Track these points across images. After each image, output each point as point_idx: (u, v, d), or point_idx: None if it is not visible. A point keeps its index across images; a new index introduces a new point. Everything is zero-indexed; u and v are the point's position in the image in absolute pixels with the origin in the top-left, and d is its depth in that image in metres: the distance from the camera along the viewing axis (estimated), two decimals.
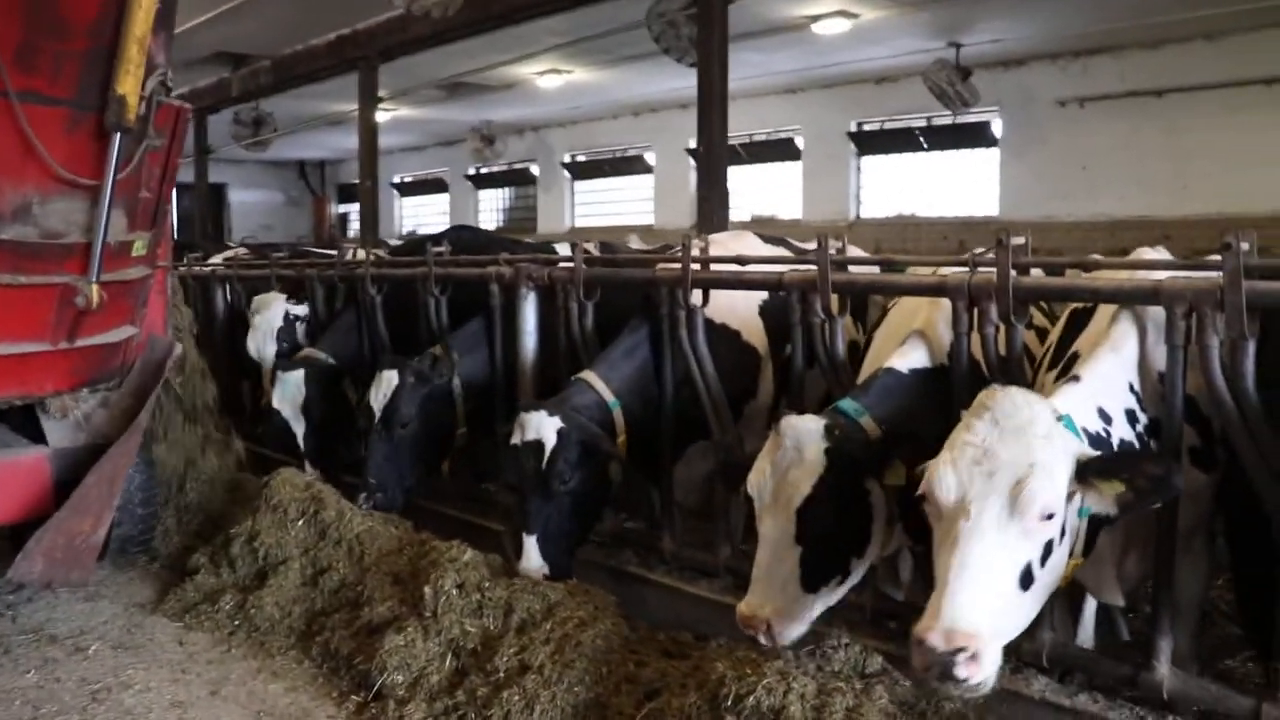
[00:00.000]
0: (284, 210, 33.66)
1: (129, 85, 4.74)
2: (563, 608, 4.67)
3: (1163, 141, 16.48)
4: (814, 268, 4.87)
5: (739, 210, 22.98)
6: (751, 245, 6.37)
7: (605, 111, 23.66)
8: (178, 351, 6.33)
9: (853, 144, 20.63)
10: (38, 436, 5.84)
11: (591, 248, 6.36)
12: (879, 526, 4.14)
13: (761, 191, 22.17)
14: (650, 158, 23.92)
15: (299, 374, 7.28)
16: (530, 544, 5.06)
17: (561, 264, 6.28)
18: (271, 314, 8.37)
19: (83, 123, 4.84)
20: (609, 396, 5.40)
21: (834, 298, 4.82)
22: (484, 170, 27.56)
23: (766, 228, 18.02)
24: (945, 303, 4.64)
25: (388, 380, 6.31)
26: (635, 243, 10.04)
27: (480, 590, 4.83)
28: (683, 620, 5.33)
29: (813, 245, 7.68)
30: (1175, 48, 16.30)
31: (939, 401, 4.48)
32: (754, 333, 5.98)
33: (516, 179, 27.27)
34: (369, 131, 15.69)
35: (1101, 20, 15.33)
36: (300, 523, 5.97)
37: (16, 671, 5.26)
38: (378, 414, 6.31)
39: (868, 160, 20.83)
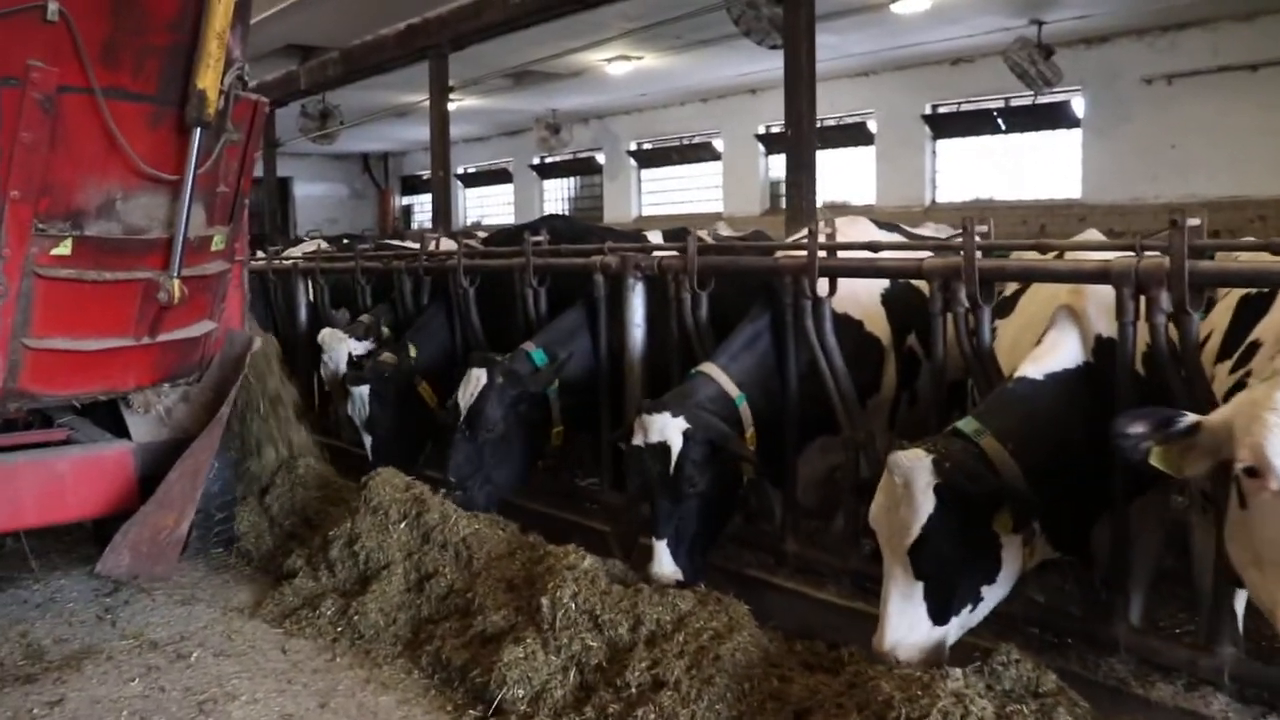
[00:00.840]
0: (348, 203, 33.74)
1: (209, 80, 4.74)
2: (695, 618, 4.38)
3: (1257, 118, 15.82)
4: (956, 254, 4.54)
5: None
6: (869, 231, 6.04)
7: (672, 98, 23.36)
8: (256, 346, 6.30)
9: (927, 127, 20.14)
10: (121, 432, 5.86)
11: (705, 235, 6.04)
12: (1012, 550, 3.87)
13: (833, 177, 21.72)
14: (719, 144, 23.57)
15: (364, 390, 7.11)
16: (661, 549, 4.78)
17: (672, 252, 5.97)
18: (336, 356, 8.16)
19: (164, 118, 4.84)
20: (733, 390, 5.10)
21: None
22: (549, 160, 27.36)
23: (839, 214, 17.66)
24: (1093, 291, 4.32)
25: (476, 379, 6.03)
26: (725, 230, 9.72)
27: (603, 600, 4.55)
28: (809, 627, 5.01)
29: (923, 230, 7.41)
30: (1271, 19, 15.65)
31: (1081, 406, 4.15)
32: (877, 323, 5.66)
33: (582, 168, 27.05)
34: (441, 122, 15.50)
35: None
36: (402, 525, 5.72)
37: (121, 680, 5.06)
38: (463, 413, 6.03)
39: (943, 144, 20.34)
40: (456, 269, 7.21)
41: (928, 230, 7.45)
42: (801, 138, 10.48)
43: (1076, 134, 18.23)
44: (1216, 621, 3.88)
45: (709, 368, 5.16)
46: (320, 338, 8.47)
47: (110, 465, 5.68)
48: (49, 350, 4.95)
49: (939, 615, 3.76)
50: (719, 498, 4.91)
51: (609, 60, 18.77)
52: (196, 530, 6.25)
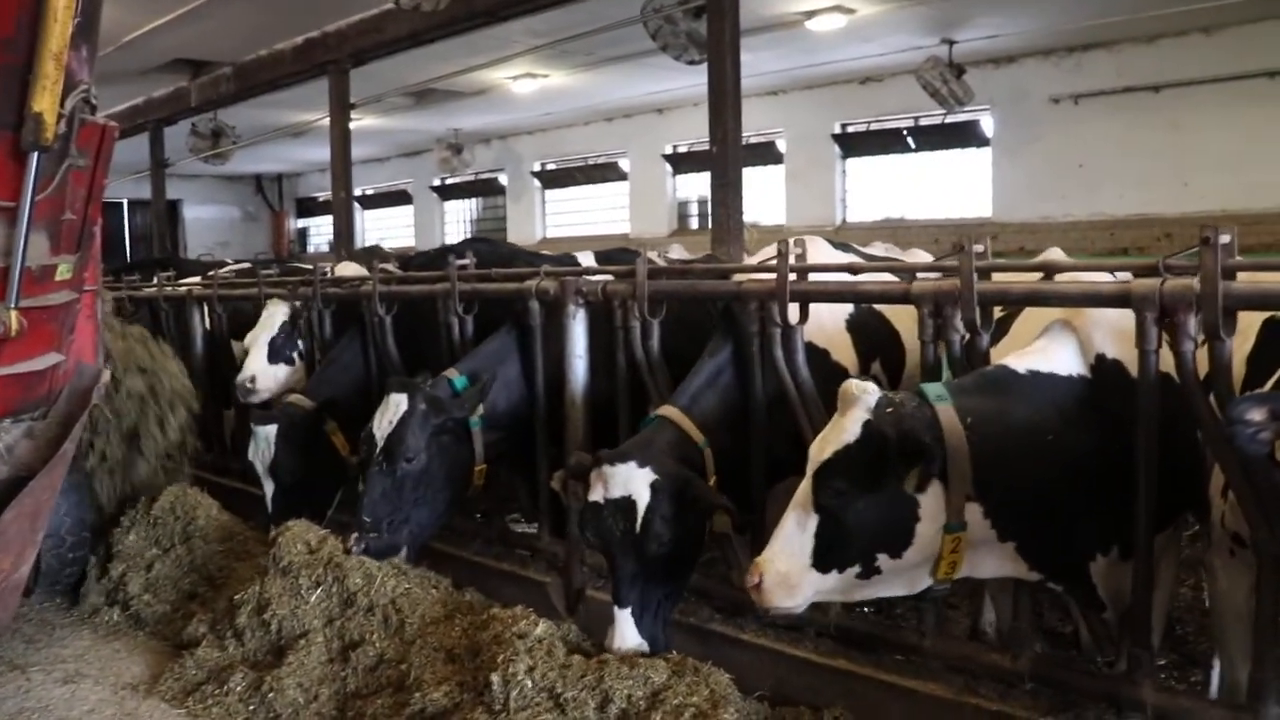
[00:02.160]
0: (241, 226, 32.42)
1: (46, 103, 4.51)
2: (671, 693, 3.85)
3: (1161, 138, 16.02)
4: (947, 276, 4.11)
5: None
6: (826, 253, 5.60)
7: (577, 118, 22.88)
8: (105, 378, 5.96)
9: (837, 146, 20.04)
10: None
11: (656, 256, 5.50)
12: (927, 530, 3.51)
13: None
14: (625, 164, 23.16)
15: (271, 430, 6.36)
16: (625, 619, 4.19)
17: (617, 275, 5.43)
18: (273, 319, 7.62)
19: None
20: (697, 436, 4.57)
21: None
22: (450, 181, 26.62)
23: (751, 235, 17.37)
24: (1095, 313, 3.94)
25: (395, 405, 5.37)
26: (677, 253, 9.06)
27: (563, 674, 3.98)
28: (785, 688, 4.53)
29: (875, 250, 7.00)
30: (1172, 41, 15.88)
31: (1070, 419, 3.78)
32: (842, 351, 5.20)
33: (484, 189, 26.37)
34: (342, 140, 14.73)
35: (1096, 14, 14.87)
36: (319, 590, 5.08)
37: None
38: (379, 443, 5.35)
39: (853, 162, 20.25)
40: (372, 296, 6.55)
41: (879, 250, 7.04)
42: (727, 155, 10.06)
43: (986, 153, 18.29)
44: (1261, 679, 3.47)
45: (670, 411, 4.62)
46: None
47: None
48: None
49: (821, 558, 3.52)
50: (685, 554, 4.37)
51: (514, 78, 18.22)
52: (45, 573, 5.97)
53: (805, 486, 3.55)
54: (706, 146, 21.53)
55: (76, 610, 6.31)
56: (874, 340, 5.43)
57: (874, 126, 19.66)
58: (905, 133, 19.10)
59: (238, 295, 8.32)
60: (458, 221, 27.77)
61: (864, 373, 5.38)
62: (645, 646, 4.16)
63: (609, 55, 16.91)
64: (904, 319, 5.78)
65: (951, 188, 18.95)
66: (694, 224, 22.66)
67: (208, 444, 8.89)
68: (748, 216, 21.22)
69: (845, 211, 20.43)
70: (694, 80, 19.28)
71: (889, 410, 3.46)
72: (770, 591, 3.54)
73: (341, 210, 14.75)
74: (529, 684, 3.95)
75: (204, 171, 25.95)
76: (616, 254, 6.99)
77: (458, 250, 7.21)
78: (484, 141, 24.99)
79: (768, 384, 4.73)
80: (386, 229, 29.65)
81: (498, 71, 17.44)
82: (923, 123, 18.84)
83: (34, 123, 4.50)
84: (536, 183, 24.90)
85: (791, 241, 4.65)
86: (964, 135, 18.37)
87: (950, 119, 18.05)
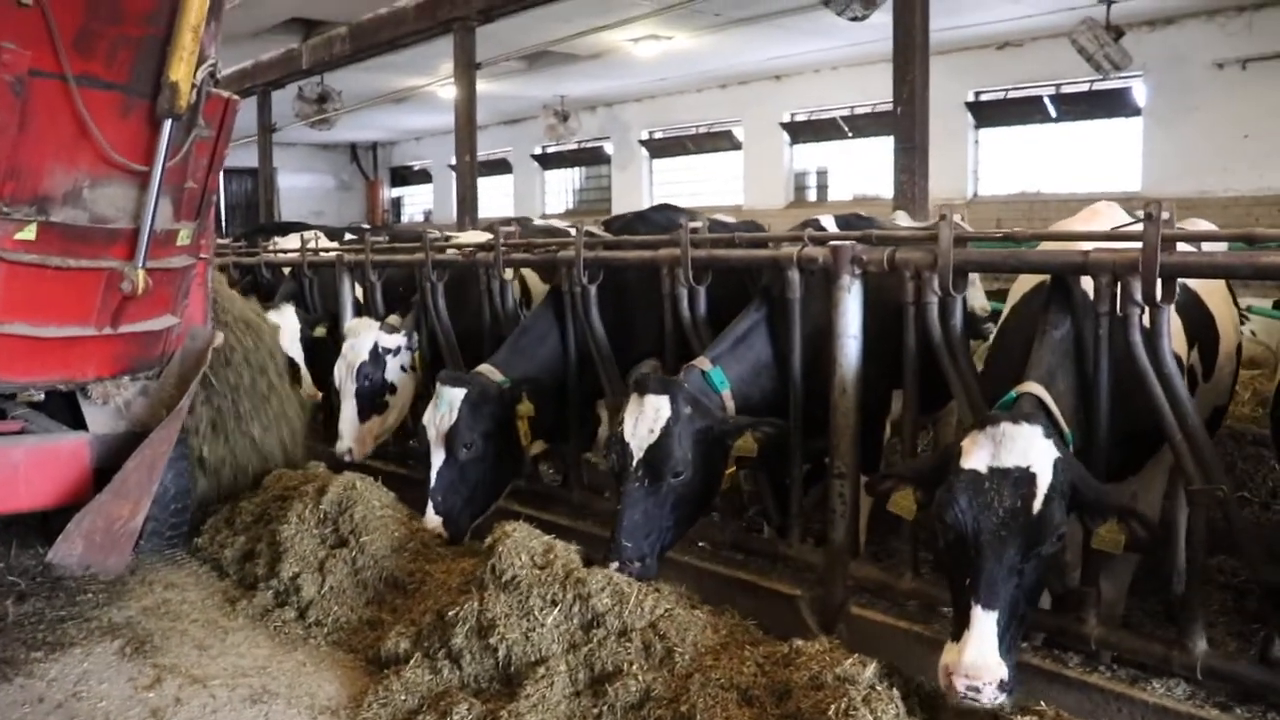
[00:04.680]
0: (335, 195, 32.06)
1: (182, 73, 4.85)
2: None
3: None
4: None
5: (837, 189, 21.39)
6: (1123, 219, 4.75)
7: (689, 84, 22.07)
8: (218, 342, 6.32)
9: (970, 115, 18.97)
10: (78, 425, 5.87)
11: (959, 219, 4.60)
12: None
13: (863, 167, 20.49)
14: (739, 133, 22.26)
15: (458, 394, 5.60)
16: (987, 626, 3.23)
17: (910, 238, 4.59)
18: (360, 344, 7.03)
19: (135, 109, 4.94)
20: (1064, 426, 3.71)
21: None
22: (552, 149, 25.89)
23: (872, 208, 16.46)
24: None
25: (654, 409, 4.53)
26: (903, 220, 7.98)
27: None
28: None
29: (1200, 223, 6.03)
30: None
31: None
32: (1175, 336, 4.32)
33: (588, 158, 25.62)
34: (466, 103, 14.10)
35: None
36: (556, 610, 4.31)
37: None
38: (637, 455, 4.51)
39: (986, 133, 19.17)
40: (574, 263, 5.75)
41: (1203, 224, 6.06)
42: (913, 116, 9.17)
43: (1137, 122, 17.15)
44: None
45: (1034, 388, 3.74)
46: (346, 326, 7.41)
47: (65, 455, 5.70)
48: (9, 335, 5.00)
49: None
50: (1045, 573, 3.51)
51: (636, 40, 17.42)
52: (152, 529, 6.20)
53: None
54: (826, 114, 20.62)
55: (243, 610, 5.64)
56: (1196, 325, 4.61)
57: (1011, 94, 18.56)
58: (1047, 100, 17.99)
59: (399, 260, 7.58)
60: (559, 191, 27.05)
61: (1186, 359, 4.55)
62: (1004, 674, 3.22)
63: (736, 17, 16.15)
64: (1218, 302, 4.95)
65: (1095, 160, 17.82)
66: (811, 195, 21.75)
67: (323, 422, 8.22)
68: (869, 189, 20.44)
69: (977, 185, 19.40)
70: (816, 46, 18.43)
71: None
72: None
73: (466, 175, 14.08)
74: None
75: (299, 139, 25.51)
76: (852, 219, 6.13)
77: (646, 216, 6.53)
78: (589, 109, 24.23)
79: (1115, 370, 3.87)
80: (486, 198, 28.94)
81: (621, 33, 16.70)
82: (1066, 90, 17.76)
83: (170, 91, 4.83)
84: (644, 151, 24.12)
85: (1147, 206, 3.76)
86: (1113, 103, 17.28)
87: (1098, 86, 16.96)
